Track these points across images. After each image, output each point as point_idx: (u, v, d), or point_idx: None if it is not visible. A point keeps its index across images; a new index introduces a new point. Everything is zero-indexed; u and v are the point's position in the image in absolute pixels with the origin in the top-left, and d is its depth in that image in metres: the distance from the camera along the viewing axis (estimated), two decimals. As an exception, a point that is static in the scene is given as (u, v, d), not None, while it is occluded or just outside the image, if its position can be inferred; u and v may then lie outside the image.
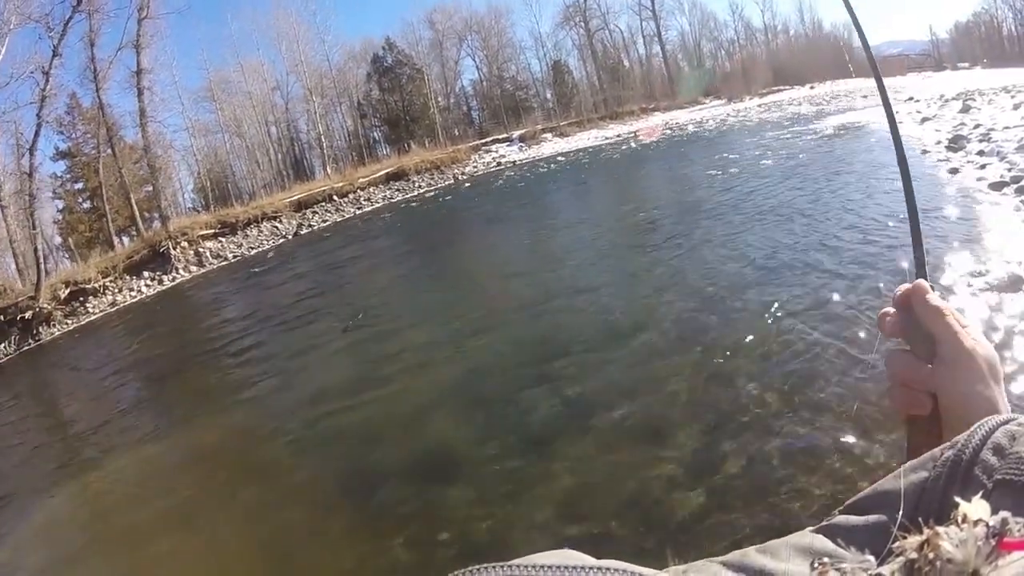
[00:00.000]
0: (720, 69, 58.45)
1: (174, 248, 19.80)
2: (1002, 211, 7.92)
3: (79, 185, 26.87)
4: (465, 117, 46.75)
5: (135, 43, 25.95)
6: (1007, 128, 13.15)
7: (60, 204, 27.54)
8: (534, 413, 5.14)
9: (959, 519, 0.36)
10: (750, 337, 5.73)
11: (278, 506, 4.76)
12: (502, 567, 0.42)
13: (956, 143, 13.02)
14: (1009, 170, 9.77)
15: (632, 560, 0.45)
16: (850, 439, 3.96)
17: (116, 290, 18.34)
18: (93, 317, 17.26)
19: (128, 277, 18.86)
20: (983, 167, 10.54)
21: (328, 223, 23.83)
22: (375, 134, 42.70)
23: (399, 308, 9.38)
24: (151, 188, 24.53)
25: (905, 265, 6.61)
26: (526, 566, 0.43)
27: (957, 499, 0.38)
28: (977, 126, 14.50)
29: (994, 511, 0.37)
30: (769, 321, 6.04)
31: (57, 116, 26.21)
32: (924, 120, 18.18)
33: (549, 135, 38.98)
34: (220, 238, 21.64)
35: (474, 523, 3.96)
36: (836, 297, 6.43)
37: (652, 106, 47.27)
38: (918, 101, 24.87)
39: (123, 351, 12.31)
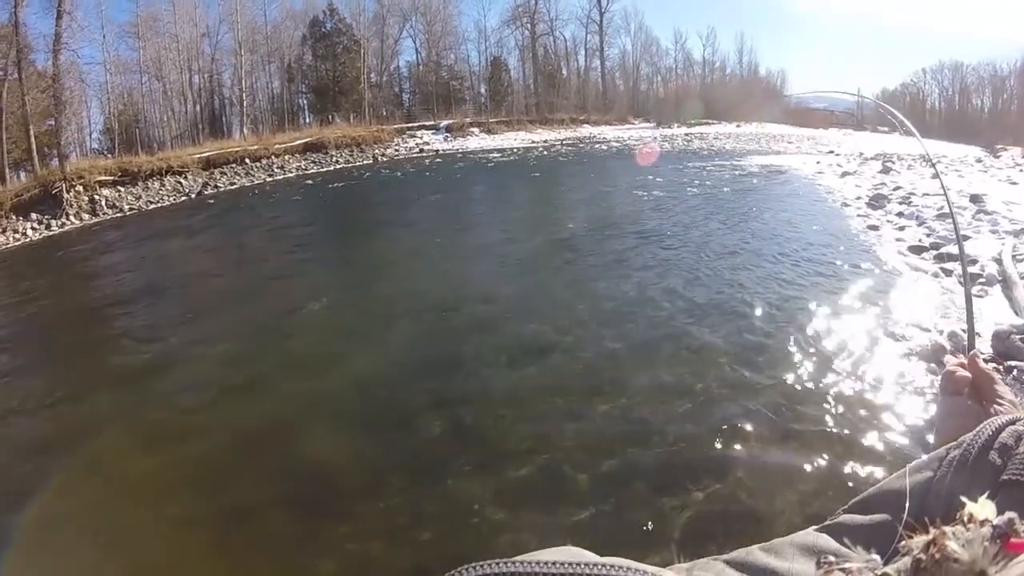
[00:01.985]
0: (654, 94, 59.76)
1: (68, 191, 18.84)
2: (921, 276, 8.16)
3: None
4: (395, 98, 46.20)
5: (62, -41, 24.04)
6: (926, 195, 13.56)
7: None
8: (424, 436, 4.85)
9: (965, 519, 0.37)
10: (658, 354, 5.85)
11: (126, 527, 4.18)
12: (507, 563, 0.43)
13: (877, 201, 13.42)
14: (928, 235, 10.09)
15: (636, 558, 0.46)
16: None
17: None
18: None
19: (14, 217, 17.80)
20: (902, 228, 10.91)
21: (236, 186, 23.31)
22: (301, 101, 41.73)
23: (289, 299, 8.80)
24: (54, 122, 23.15)
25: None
26: (531, 562, 0.44)
27: (963, 499, 0.39)
28: (897, 188, 15.03)
29: (1000, 511, 0.37)
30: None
31: None
32: (845, 174, 19.18)
33: (476, 130, 39.14)
34: (119, 187, 20.73)
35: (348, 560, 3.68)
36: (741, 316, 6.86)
37: (583, 118, 48.10)
38: (838, 155, 26.45)
39: None
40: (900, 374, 5.35)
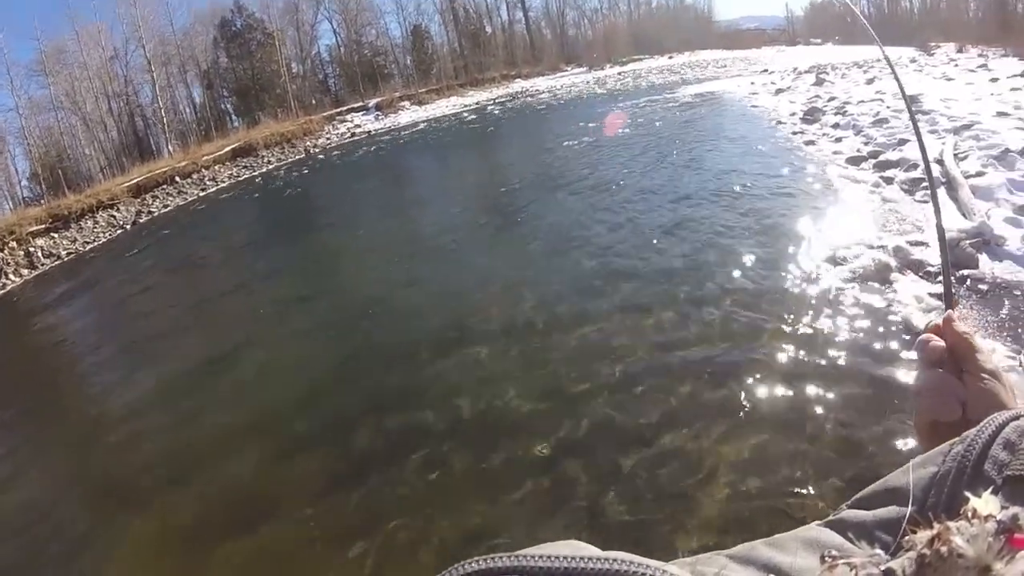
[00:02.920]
0: (583, 37, 59.48)
1: (1, 250, 18.85)
2: (861, 188, 7.97)
3: None
4: (321, 85, 45.72)
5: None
6: (861, 102, 13.55)
7: None
8: (365, 445, 4.79)
9: (969, 514, 0.37)
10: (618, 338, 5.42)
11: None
12: (509, 556, 0.44)
13: (811, 115, 13.35)
14: (866, 144, 9.96)
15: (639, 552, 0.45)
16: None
17: (-64, 302, 17.27)
18: None
19: (-52, 288, 17.76)
20: (839, 140, 10.82)
21: (170, 207, 22.99)
22: (226, 105, 41.14)
23: (229, 317, 9.02)
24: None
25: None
26: (533, 555, 0.44)
27: (967, 494, 0.39)
28: (831, 99, 15.04)
29: (1004, 507, 0.37)
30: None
31: None
32: (779, 91, 19.15)
33: (407, 103, 38.97)
34: (52, 233, 20.58)
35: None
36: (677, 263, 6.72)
37: (514, 72, 47.97)
38: (772, 73, 26.47)
39: None
40: (843, 301, 5.16)
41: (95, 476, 5.69)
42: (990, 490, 0.40)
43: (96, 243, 20.44)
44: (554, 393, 4.87)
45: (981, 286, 4.97)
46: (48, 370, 9.88)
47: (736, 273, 6.16)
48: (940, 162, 7.88)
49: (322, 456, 4.85)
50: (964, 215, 6.33)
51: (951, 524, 0.36)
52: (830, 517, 0.59)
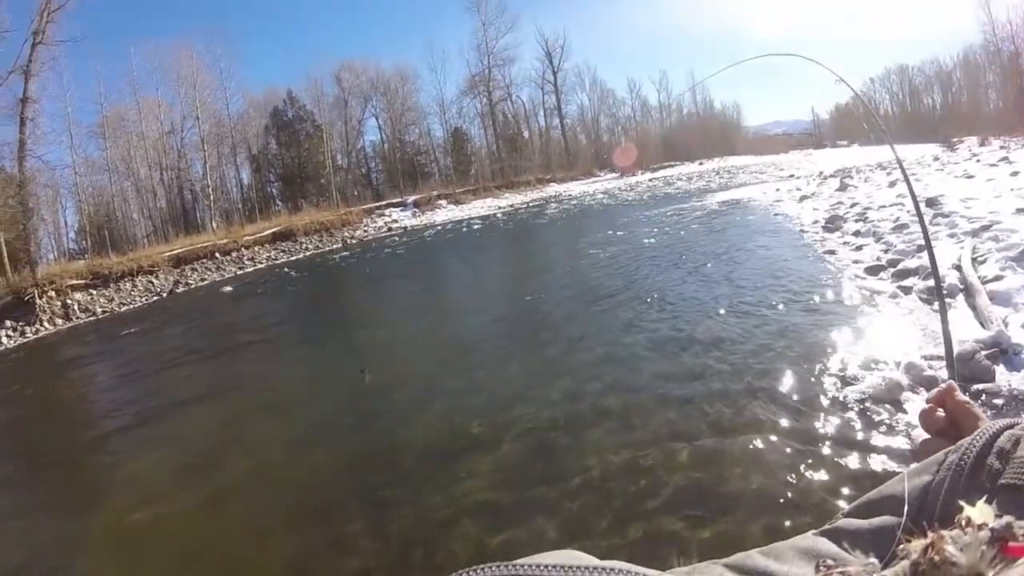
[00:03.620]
0: (616, 144, 61.32)
1: (40, 297, 19.30)
2: (878, 299, 7.71)
3: None
4: (363, 178, 47.33)
5: (25, 69, 24.98)
6: (882, 207, 13.41)
7: None
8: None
9: (963, 523, 0.37)
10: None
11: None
12: (507, 566, 0.44)
13: (833, 223, 13.14)
14: (885, 252, 9.72)
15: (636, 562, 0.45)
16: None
17: (-27, 340, 17.74)
18: None
19: (-12, 325, 18.29)
20: (859, 248, 10.57)
21: (207, 281, 23.63)
22: (271, 189, 42.53)
23: (242, 403, 8.70)
24: (22, 228, 23.50)
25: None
26: (531, 565, 0.44)
27: (961, 503, 0.40)
28: (854, 204, 14.87)
29: (998, 515, 0.38)
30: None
31: None
32: (803, 198, 19.10)
33: (444, 201, 39.95)
34: (91, 290, 21.19)
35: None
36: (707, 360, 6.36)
37: (548, 176, 49.32)
38: (798, 179, 26.58)
39: None
40: (849, 426, 4.84)
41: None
42: (984, 499, 0.42)
43: (132, 306, 20.91)
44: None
45: (997, 400, 4.71)
46: (63, 423, 9.90)
47: (737, 397, 5.73)
48: (958, 268, 7.66)
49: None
50: (982, 324, 6.02)
51: (945, 533, 0.36)
52: (826, 526, 0.59)
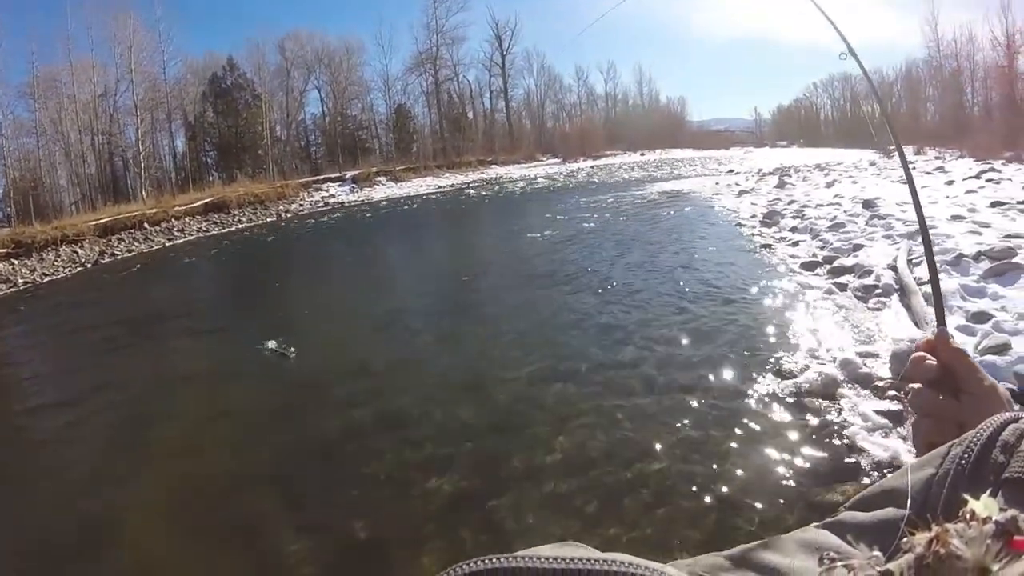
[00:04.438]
0: (560, 130, 61.95)
1: (-43, 268, 18.94)
2: (814, 296, 7.76)
3: None
4: (302, 152, 46.75)
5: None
6: (820, 205, 13.83)
7: None
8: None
9: (968, 516, 0.36)
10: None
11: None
12: (506, 558, 0.43)
13: (770, 219, 13.45)
14: (821, 248, 10.01)
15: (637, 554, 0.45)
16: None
17: None
18: None
19: (-102, 299, 17.82)
20: (795, 244, 10.79)
21: (134, 253, 23.15)
22: (206, 159, 41.74)
23: (167, 375, 8.58)
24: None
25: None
26: (531, 557, 0.43)
27: (966, 496, 0.38)
28: (791, 202, 15.31)
29: (1003, 509, 0.37)
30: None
31: None
32: (742, 193, 19.61)
33: (383, 179, 40.01)
34: (13, 259, 20.70)
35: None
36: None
37: (491, 159, 49.63)
38: (738, 174, 27.30)
39: None
40: (783, 420, 4.88)
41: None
42: (988, 492, 0.41)
43: (55, 276, 20.36)
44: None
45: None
46: None
47: (671, 384, 5.80)
48: (894, 268, 7.86)
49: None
50: (917, 324, 6.18)
51: (949, 526, 0.36)
52: (828, 519, 0.59)
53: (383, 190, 37.57)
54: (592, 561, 0.43)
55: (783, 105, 73.84)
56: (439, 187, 38.15)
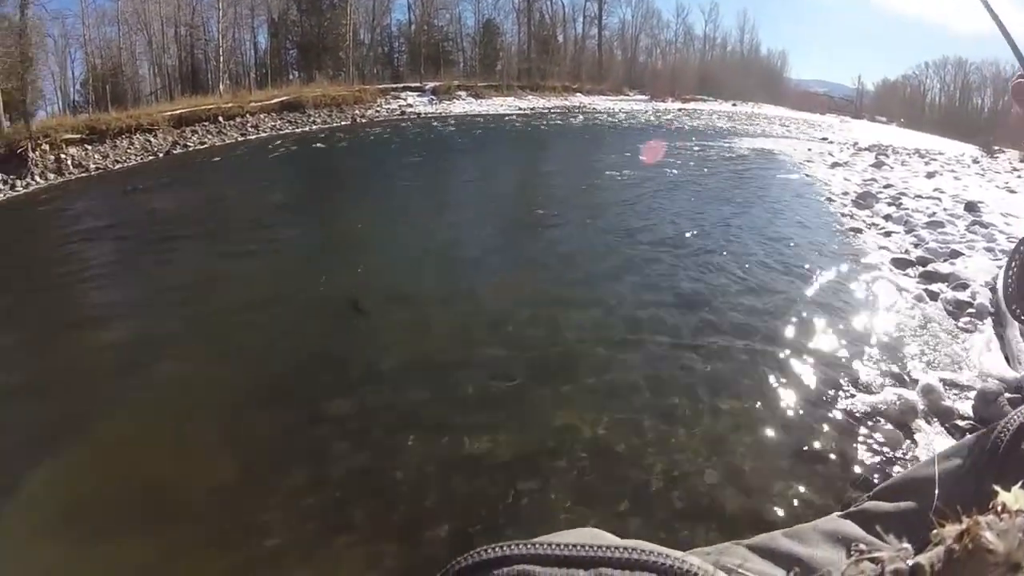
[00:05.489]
0: (652, 66, 59.20)
1: (33, 151, 18.90)
2: (902, 301, 7.15)
3: None
4: (384, 57, 45.68)
5: (31, -87, 23.36)
6: (919, 197, 12.80)
7: None
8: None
9: (999, 508, 0.36)
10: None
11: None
12: (526, 544, 0.43)
13: (864, 200, 12.47)
14: (916, 246, 9.24)
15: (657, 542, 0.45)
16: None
17: (-38, 190, 17.41)
18: None
19: (-24, 177, 17.93)
20: (888, 234, 10.02)
21: (206, 145, 23.21)
22: (287, 58, 41.20)
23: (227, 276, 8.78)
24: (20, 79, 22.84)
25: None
26: (551, 543, 0.43)
27: (996, 487, 0.38)
28: (888, 185, 14.27)
29: None
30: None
31: None
32: (835, 165, 18.45)
33: (464, 93, 38.86)
34: (87, 145, 20.63)
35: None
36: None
37: (576, 86, 47.72)
38: (831, 143, 25.81)
39: None
40: (848, 448, 4.39)
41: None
42: (1020, 484, 0.39)
43: (126, 164, 20.59)
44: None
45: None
46: (44, 273, 9.81)
47: (731, 387, 5.28)
48: (993, 289, 7.08)
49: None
50: (1008, 361, 5.55)
51: (980, 519, 0.35)
52: (851, 508, 0.58)
53: (462, 105, 36.59)
54: (612, 548, 0.43)
55: (888, 79, 68.65)
56: (519, 108, 36.98)
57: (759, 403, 4.97)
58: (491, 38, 49.30)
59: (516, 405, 5.06)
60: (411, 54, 45.34)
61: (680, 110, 42.05)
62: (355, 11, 41.78)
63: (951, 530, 0.35)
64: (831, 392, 5.04)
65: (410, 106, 34.43)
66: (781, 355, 5.72)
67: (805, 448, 4.34)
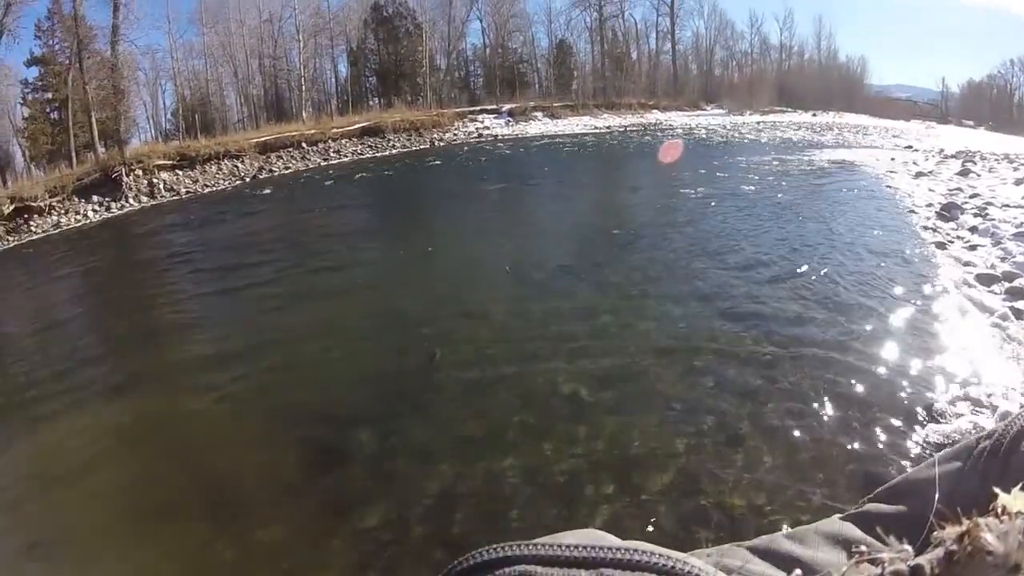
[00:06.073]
0: (728, 79, 58.14)
1: (127, 175, 19.67)
2: (985, 320, 6.51)
3: (48, 95, 25.64)
4: (460, 81, 46.17)
5: (120, -46, 25.05)
6: (1006, 206, 11.83)
7: (26, 112, 25.74)
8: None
9: (999, 510, 0.36)
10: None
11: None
12: (527, 545, 0.43)
13: (948, 211, 11.73)
14: (1003, 259, 8.52)
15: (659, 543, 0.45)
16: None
17: (62, 211, 18.21)
18: (34, 237, 16.96)
19: (76, 199, 18.72)
20: (973, 248, 9.33)
21: (291, 170, 23.83)
22: (367, 85, 42.13)
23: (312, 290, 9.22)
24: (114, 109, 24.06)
25: None
26: (552, 544, 0.43)
27: (996, 490, 0.38)
28: (974, 195, 13.29)
29: None
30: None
31: (38, 20, 25.23)
32: (919, 175, 17.44)
33: (539, 114, 38.69)
34: (177, 170, 21.49)
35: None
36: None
37: (652, 103, 46.97)
38: (916, 151, 24.44)
39: (62, 280, 12.20)
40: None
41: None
42: (1020, 486, 0.39)
43: (214, 188, 21.21)
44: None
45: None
46: (139, 286, 10.56)
47: (807, 402, 5.01)
48: None
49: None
50: None
51: (980, 521, 0.35)
52: (852, 510, 0.59)
53: (538, 126, 36.33)
54: (614, 550, 0.43)
55: (974, 80, 65.39)
56: (595, 128, 36.42)
57: (826, 427, 4.67)
58: (565, 58, 49.27)
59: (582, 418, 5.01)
60: (486, 77, 45.73)
61: (759, 122, 40.77)
62: (431, 37, 42.51)
63: (951, 532, 0.36)
64: (901, 420, 4.65)
65: (487, 128, 34.51)
66: (851, 379, 5.30)
67: (873, 483, 3.76)
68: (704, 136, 31.56)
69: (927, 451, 4.15)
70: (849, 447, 4.35)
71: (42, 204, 17.95)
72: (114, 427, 5.43)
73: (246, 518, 4.06)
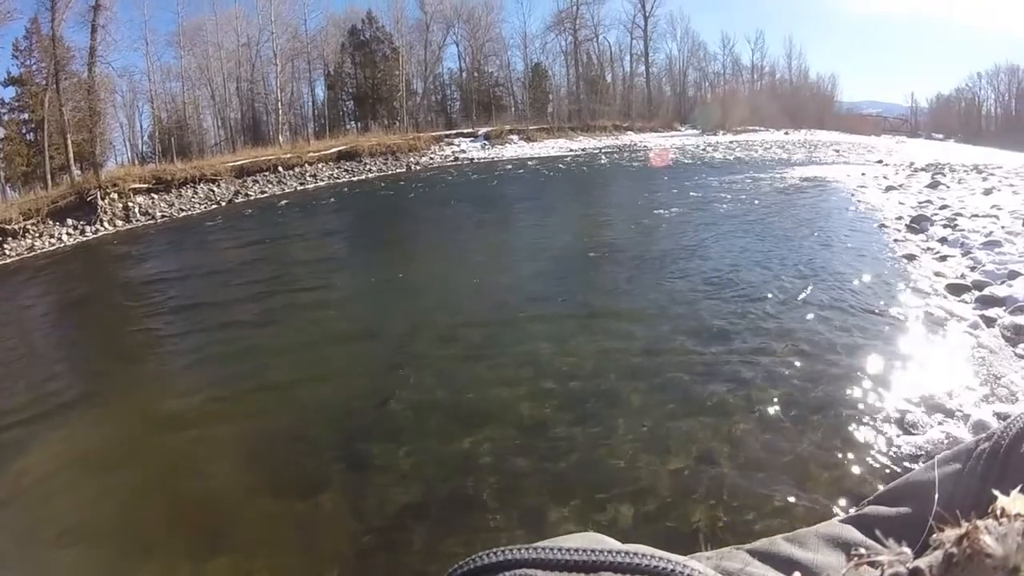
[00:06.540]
0: (702, 100, 59.00)
1: (102, 198, 19.66)
2: (956, 329, 6.57)
3: (25, 115, 25.59)
4: (437, 105, 46.58)
5: (99, -26, 25.04)
6: (975, 216, 12.10)
7: (2, 132, 25.64)
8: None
9: (998, 513, 0.36)
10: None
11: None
12: (528, 548, 0.44)
13: (918, 224, 12.00)
14: (972, 269, 8.71)
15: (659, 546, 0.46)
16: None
17: (36, 234, 18.11)
18: (7, 260, 16.80)
19: (51, 222, 18.62)
20: (943, 259, 9.50)
21: (267, 194, 23.85)
22: (344, 108, 42.39)
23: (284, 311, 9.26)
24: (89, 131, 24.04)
25: None
26: (552, 548, 0.44)
27: (995, 492, 0.38)
28: (944, 207, 13.57)
29: None
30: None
31: (16, 39, 25.48)
32: (889, 188, 17.75)
33: (515, 137, 39.21)
34: (153, 194, 21.46)
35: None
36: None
37: (626, 124, 47.84)
38: (886, 166, 24.93)
39: (34, 306, 12.17)
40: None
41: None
42: (1019, 488, 0.39)
43: (190, 212, 21.19)
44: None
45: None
46: (115, 310, 10.52)
47: (779, 418, 5.03)
48: None
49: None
50: None
51: (979, 523, 0.35)
52: (851, 513, 0.59)
53: (514, 149, 36.73)
54: (614, 553, 0.43)
55: (942, 94, 66.79)
56: (571, 150, 36.74)
57: (798, 436, 4.73)
58: (540, 81, 49.76)
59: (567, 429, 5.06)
60: (463, 101, 46.19)
61: (732, 142, 41.32)
62: (408, 62, 42.85)
63: (950, 534, 0.36)
64: (873, 430, 4.69)
65: (463, 152, 34.83)
66: (823, 391, 5.35)
67: (847, 497, 4.01)
68: (679, 156, 31.98)
69: (899, 462, 4.24)
70: (823, 459, 4.40)
71: (16, 227, 17.83)
72: (81, 453, 5.42)
73: (222, 542, 4.08)
